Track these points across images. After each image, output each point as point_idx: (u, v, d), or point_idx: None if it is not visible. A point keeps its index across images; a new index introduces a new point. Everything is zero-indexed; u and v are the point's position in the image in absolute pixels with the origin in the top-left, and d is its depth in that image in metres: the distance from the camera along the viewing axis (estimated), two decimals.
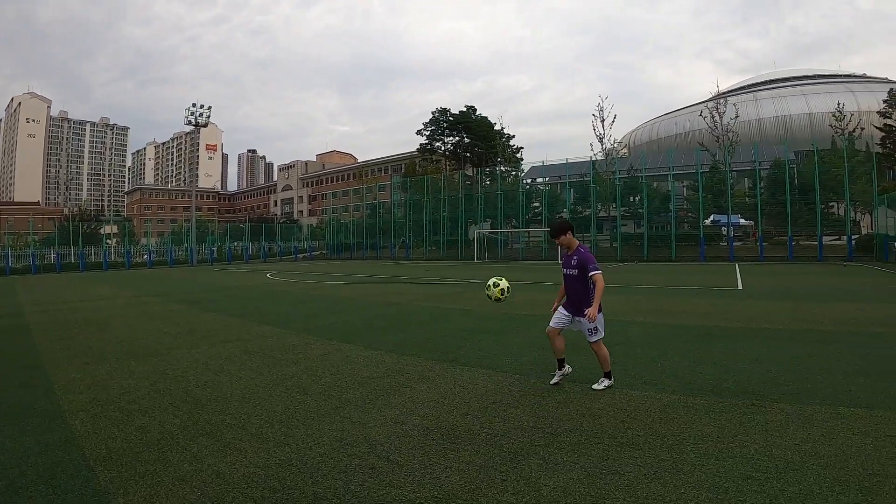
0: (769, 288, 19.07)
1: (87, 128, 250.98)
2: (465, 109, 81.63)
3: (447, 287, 22.20)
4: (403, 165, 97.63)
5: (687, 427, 5.07)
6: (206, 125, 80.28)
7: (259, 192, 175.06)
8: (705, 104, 59.66)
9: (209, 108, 76.40)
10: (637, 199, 50.65)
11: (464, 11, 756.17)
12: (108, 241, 79.44)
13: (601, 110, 53.86)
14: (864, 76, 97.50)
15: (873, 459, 4.20)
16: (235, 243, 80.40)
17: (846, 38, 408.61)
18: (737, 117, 54.77)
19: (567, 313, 6.64)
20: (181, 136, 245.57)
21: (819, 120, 74.36)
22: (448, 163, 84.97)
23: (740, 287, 19.69)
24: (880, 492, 3.66)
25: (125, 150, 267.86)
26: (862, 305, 13.73)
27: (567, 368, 6.82)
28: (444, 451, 4.65)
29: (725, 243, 45.18)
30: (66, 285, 31.37)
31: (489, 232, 57.07)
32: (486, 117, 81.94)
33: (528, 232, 57.57)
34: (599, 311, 6.29)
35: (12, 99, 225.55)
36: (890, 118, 59.13)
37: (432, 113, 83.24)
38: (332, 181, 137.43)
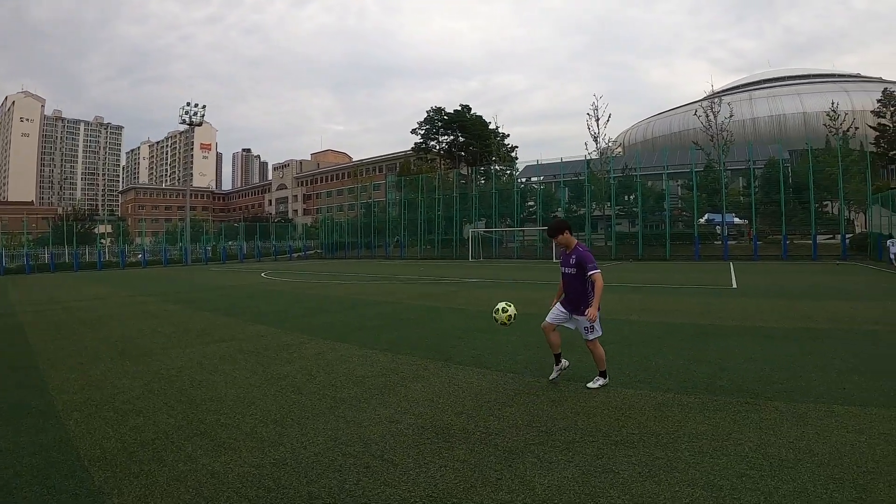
0: (763, 286, 19.12)
1: (82, 127, 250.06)
2: (459, 108, 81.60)
3: (442, 286, 22.21)
4: (398, 164, 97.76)
5: (681, 425, 5.08)
6: (200, 124, 79.94)
7: (254, 192, 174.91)
8: (700, 103, 59.88)
9: (204, 106, 76.12)
10: (632, 198, 50.79)
11: (459, 10, 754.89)
12: (103, 240, 79.15)
13: (596, 109, 53.93)
14: (858, 76, 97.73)
15: (867, 457, 4.21)
16: (230, 243, 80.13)
17: (840, 37, 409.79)
18: (731, 116, 54.86)
19: (564, 310, 6.65)
20: (175, 136, 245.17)
21: (813, 119, 74.51)
22: (443, 162, 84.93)
23: (734, 286, 19.73)
24: (875, 489, 3.67)
25: (119, 150, 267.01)
26: (856, 304, 13.79)
27: (564, 363, 6.83)
28: (439, 449, 4.65)
29: (720, 242, 45.24)
30: (61, 285, 31.28)
31: (484, 231, 57.10)
32: (480, 116, 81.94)
33: (523, 231, 57.60)
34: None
35: (6, 98, 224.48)
36: (884, 117, 59.47)
37: (427, 112, 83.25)
38: (326, 180, 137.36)
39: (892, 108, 59.43)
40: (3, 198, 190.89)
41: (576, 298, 6.49)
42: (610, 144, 57.49)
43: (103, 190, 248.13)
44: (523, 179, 66.39)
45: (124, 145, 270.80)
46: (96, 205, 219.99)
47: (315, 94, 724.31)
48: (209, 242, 79.15)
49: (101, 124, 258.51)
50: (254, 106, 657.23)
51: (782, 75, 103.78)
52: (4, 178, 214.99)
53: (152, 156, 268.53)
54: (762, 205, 45.25)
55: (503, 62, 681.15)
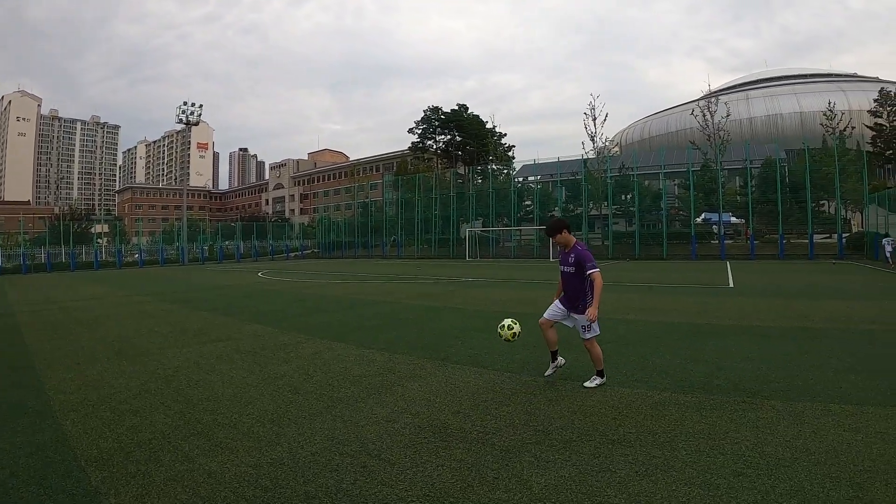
0: (760, 286, 19.15)
1: (78, 126, 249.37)
2: (456, 108, 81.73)
3: (438, 286, 22.20)
4: (395, 164, 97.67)
5: (678, 424, 5.08)
6: (197, 123, 79.81)
7: (250, 191, 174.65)
8: (697, 103, 59.86)
9: (200, 106, 76.06)
10: (629, 197, 50.83)
11: (456, 9, 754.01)
12: (99, 240, 79.11)
13: (593, 109, 53.97)
14: (854, 75, 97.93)
15: (864, 456, 4.22)
16: (227, 242, 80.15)
17: (837, 37, 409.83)
18: (728, 116, 54.90)
19: (562, 307, 6.65)
20: (172, 135, 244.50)
21: (810, 119, 74.73)
22: (439, 161, 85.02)
23: (731, 285, 19.75)
24: (871, 488, 3.67)
25: (116, 149, 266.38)
26: (852, 303, 13.82)
27: (560, 360, 6.83)
28: (436, 449, 4.65)
29: (717, 241, 45.31)
30: (57, 285, 31.26)
31: (481, 230, 57.11)
32: (477, 116, 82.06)
33: (520, 230, 57.62)
34: None
35: (2, 97, 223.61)
36: (880, 117, 59.67)
37: (424, 111, 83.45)
38: (323, 180, 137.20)
39: (888, 108, 59.68)
40: (0, 198, 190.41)
41: (574, 297, 6.49)
42: (607, 144, 57.50)
43: (100, 189, 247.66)
44: (520, 179, 66.41)
45: (121, 145, 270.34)
46: (93, 204, 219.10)
47: (312, 94, 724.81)
48: (206, 242, 79.11)
49: (98, 124, 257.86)
50: (251, 105, 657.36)
51: (779, 75, 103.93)
52: (1, 177, 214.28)
53: (149, 155, 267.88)
54: (759, 204, 45.33)
55: (500, 61, 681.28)
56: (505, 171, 68.81)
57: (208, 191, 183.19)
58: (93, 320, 14.21)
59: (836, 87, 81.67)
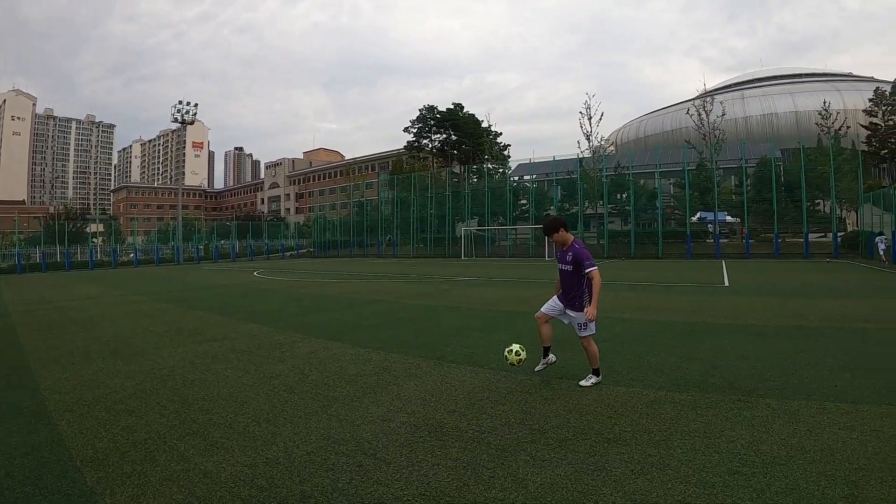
0: (755, 285, 19.18)
1: (73, 125, 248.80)
2: (452, 107, 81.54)
3: (434, 285, 22.19)
4: (391, 163, 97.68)
5: (674, 423, 5.09)
6: (192, 123, 79.80)
7: (246, 190, 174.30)
8: (692, 102, 60.07)
9: (196, 105, 76.04)
10: (624, 196, 50.84)
11: (453, 9, 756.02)
12: (95, 239, 78.96)
13: (588, 108, 53.95)
14: (850, 75, 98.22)
15: (859, 454, 4.24)
16: (222, 241, 79.98)
17: (833, 37, 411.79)
18: (723, 115, 55.12)
19: (560, 303, 6.66)
20: (167, 134, 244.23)
21: (805, 118, 74.84)
22: (435, 160, 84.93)
23: (727, 284, 19.78)
24: (866, 486, 3.68)
25: (111, 148, 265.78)
26: (846, 302, 13.86)
27: (552, 357, 6.85)
28: (432, 448, 4.65)
29: (712, 240, 45.40)
30: (52, 285, 31.18)
31: (476, 229, 57.11)
32: (473, 115, 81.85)
33: (516, 229, 57.62)
34: None
35: None
36: (875, 117, 59.80)
37: (420, 110, 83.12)
38: (319, 179, 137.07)
39: (883, 108, 59.81)
40: None
41: (572, 294, 6.50)
42: (602, 143, 57.53)
43: (95, 189, 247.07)
44: (516, 178, 66.45)
45: (116, 144, 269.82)
46: (88, 204, 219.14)
47: (308, 93, 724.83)
48: (201, 241, 78.87)
49: (93, 123, 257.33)
50: (246, 104, 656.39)
51: (775, 74, 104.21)
52: None
53: (144, 154, 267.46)
54: (754, 203, 45.40)
55: (496, 61, 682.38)
56: (500, 170, 68.85)
57: (203, 190, 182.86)
58: (88, 320, 14.17)
59: (832, 87, 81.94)
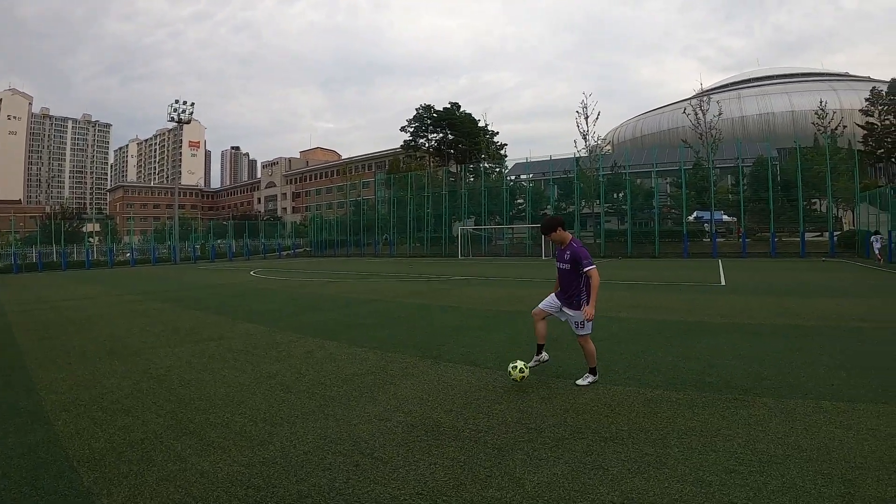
0: (752, 284, 19.21)
1: (69, 125, 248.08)
2: (449, 106, 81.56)
3: (431, 284, 22.19)
4: (387, 162, 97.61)
5: (671, 422, 5.10)
6: (189, 122, 79.59)
7: (242, 190, 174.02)
8: (689, 101, 60.07)
9: (192, 104, 75.82)
10: (621, 195, 50.86)
11: (449, 8, 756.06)
12: (91, 239, 78.74)
13: (585, 107, 54.02)
14: (846, 75, 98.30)
15: (855, 452, 4.25)
16: (219, 241, 79.79)
17: (829, 36, 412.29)
18: (720, 115, 55.12)
19: (557, 301, 6.66)
20: (164, 133, 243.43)
21: (802, 118, 74.89)
22: (432, 159, 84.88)
23: (723, 283, 19.81)
24: (863, 484, 3.70)
25: (107, 148, 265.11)
26: (842, 301, 13.89)
27: (544, 355, 6.87)
28: (429, 447, 4.66)
29: (708, 240, 45.42)
30: (49, 284, 31.13)
31: (473, 229, 57.10)
32: (470, 114, 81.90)
33: (512, 228, 57.62)
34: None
35: None
36: (872, 116, 59.91)
37: (416, 110, 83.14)
38: (315, 178, 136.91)
39: (879, 107, 59.90)
40: None
41: (570, 293, 6.51)
42: (599, 142, 57.63)
43: (91, 188, 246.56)
44: (512, 177, 66.38)
45: (112, 143, 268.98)
46: (84, 203, 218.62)
47: (304, 92, 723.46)
48: (198, 241, 78.71)
49: (89, 122, 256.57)
50: (242, 103, 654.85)
51: (771, 74, 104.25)
52: None
53: (140, 154, 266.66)
54: (751, 202, 45.44)
55: (493, 60, 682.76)
56: (497, 170, 68.74)
57: (200, 189, 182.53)
58: (84, 320, 14.15)
59: (828, 87, 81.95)
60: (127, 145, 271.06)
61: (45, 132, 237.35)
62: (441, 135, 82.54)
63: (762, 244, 42.36)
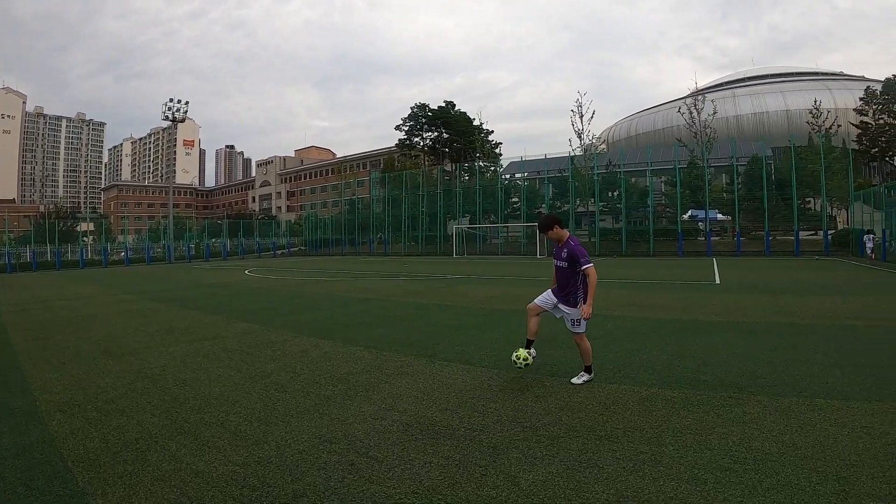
0: (746, 282, 19.25)
1: (63, 123, 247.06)
2: (443, 105, 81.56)
3: (426, 283, 22.19)
4: (382, 161, 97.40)
5: (666, 420, 5.11)
6: (183, 120, 79.51)
7: (237, 188, 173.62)
8: (683, 101, 60.17)
9: (187, 103, 75.70)
10: (615, 194, 50.91)
11: (444, 7, 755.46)
12: (85, 238, 78.68)
13: (580, 106, 53.96)
14: (841, 74, 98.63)
15: (850, 450, 4.26)
16: (213, 240, 79.65)
17: (824, 36, 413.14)
18: (714, 114, 55.22)
19: (553, 298, 6.67)
20: (158, 132, 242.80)
21: (796, 117, 75.18)
22: (427, 158, 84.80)
23: (718, 281, 19.86)
24: (857, 482, 3.71)
25: (102, 146, 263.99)
26: (836, 299, 13.93)
27: (532, 352, 6.85)
28: (424, 446, 4.66)
29: (703, 238, 45.52)
30: (43, 284, 31.03)
31: (468, 227, 57.13)
32: (464, 113, 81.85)
33: (507, 227, 57.65)
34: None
35: None
36: (866, 115, 60.10)
37: (411, 108, 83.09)
38: (310, 177, 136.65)
39: (874, 107, 60.12)
40: None
41: (566, 290, 6.51)
42: (594, 141, 57.57)
43: (85, 187, 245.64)
44: (507, 176, 66.38)
45: (106, 142, 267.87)
46: (78, 202, 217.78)
47: (299, 90, 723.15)
48: (192, 240, 78.58)
49: (83, 121, 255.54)
50: (237, 102, 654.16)
51: (766, 73, 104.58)
52: None
53: (135, 153, 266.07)
54: (745, 201, 45.52)
55: (488, 59, 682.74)
56: (492, 168, 68.76)
57: (195, 188, 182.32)
58: (79, 319, 14.11)
59: (823, 86, 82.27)
60: (121, 144, 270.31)
61: (39, 131, 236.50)
62: (436, 133, 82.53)
63: (757, 243, 42.46)
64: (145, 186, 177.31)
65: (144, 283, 28.38)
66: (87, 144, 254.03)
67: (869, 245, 30.94)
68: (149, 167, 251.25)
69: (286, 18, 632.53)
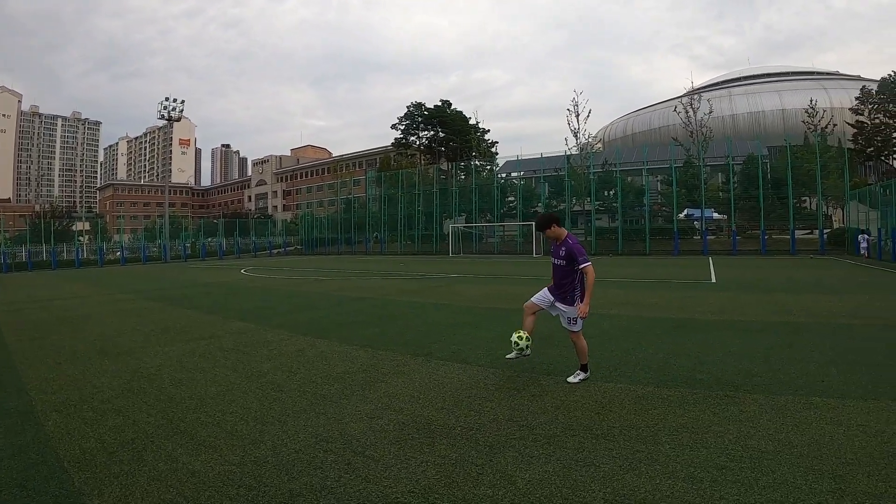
0: (742, 281, 19.28)
1: (59, 122, 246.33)
2: (440, 104, 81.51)
3: (422, 282, 22.19)
4: (378, 160, 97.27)
5: (662, 419, 5.11)
6: (179, 119, 79.14)
7: (233, 188, 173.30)
8: (679, 100, 60.11)
9: (182, 101, 75.42)
10: (611, 193, 50.93)
11: (440, 5, 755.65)
12: (81, 238, 78.35)
13: (576, 105, 53.92)
14: (836, 73, 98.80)
15: (846, 448, 4.27)
16: (209, 239, 79.45)
17: (819, 35, 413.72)
18: (710, 113, 55.22)
19: (550, 295, 6.67)
20: (154, 131, 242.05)
21: (792, 116, 75.28)
22: (423, 157, 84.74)
23: (714, 280, 19.89)
24: (853, 480, 3.72)
25: (97, 146, 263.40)
26: (832, 297, 13.95)
27: (526, 351, 6.85)
28: (420, 445, 4.65)
29: (699, 237, 45.58)
30: (38, 284, 30.95)
31: (464, 226, 57.13)
32: (461, 112, 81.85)
33: (503, 226, 57.66)
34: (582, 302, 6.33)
35: None
36: (862, 115, 60.25)
37: (407, 107, 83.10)
38: (306, 176, 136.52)
39: (869, 106, 60.33)
40: None
41: (563, 288, 6.51)
42: (590, 140, 57.47)
43: (81, 186, 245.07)
44: (503, 175, 66.37)
45: (102, 141, 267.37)
46: (74, 202, 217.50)
47: (295, 89, 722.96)
48: (188, 239, 78.39)
49: (79, 120, 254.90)
50: (233, 100, 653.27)
51: (762, 72, 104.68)
52: None
53: (130, 152, 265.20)
54: (741, 200, 45.65)
55: (483, 57, 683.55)
56: (488, 167, 68.76)
57: (190, 187, 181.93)
58: (75, 319, 14.08)
59: (818, 85, 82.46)
60: (117, 143, 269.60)
61: (34, 130, 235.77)
62: (432, 132, 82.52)
63: (752, 241, 42.53)
64: (141, 186, 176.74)
65: (140, 282, 28.32)
66: (82, 143, 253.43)
67: (863, 245, 31.10)
68: (144, 166, 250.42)
69: (282, 17, 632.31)
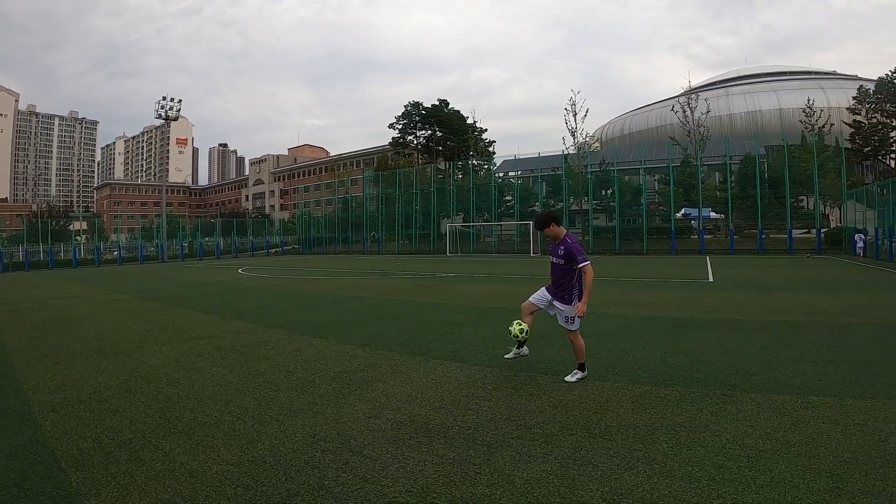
0: (739, 280, 19.31)
1: (56, 122, 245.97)
2: (437, 103, 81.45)
3: (419, 281, 22.19)
4: (375, 159, 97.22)
5: (659, 417, 5.12)
6: (176, 119, 78.92)
7: (230, 187, 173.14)
8: (677, 99, 60.30)
9: (179, 101, 75.28)
10: (609, 192, 51.04)
11: (437, 4, 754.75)
12: (78, 237, 78.27)
13: (573, 104, 53.99)
14: (834, 73, 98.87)
15: (843, 447, 4.28)
16: (206, 239, 79.34)
17: (817, 35, 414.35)
18: (708, 112, 55.34)
19: (548, 295, 6.67)
20: (151, 131, 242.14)
21: (789, 116, 75.26)
22: (420, 156, 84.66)
23: (711, 279, 19.91)
24: (850, 478, 3.72)
25: (94, 145, 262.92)
26: (829, 297, 13.96)
27: (524, 350, 6.85)
28: (418, 444, 4.65)
29: (696, 236, 45.65)
30: (35, 283, 30.88)
31: (461, 226, 57.13)
32: (458, 111, 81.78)
33: (501, 225, 57.67)
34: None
35: None
36: (859, 114, 60.40)
37: (405, 106, 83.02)
38: (303, 175, 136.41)
39: (867, 105, 60.51)
40: None
41: (561, 287, 6.52)
42: (587, 139, 57.65)
43: (78, 186, 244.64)
44: (501, 174, 66.41)
45: (99, 140, 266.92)
46: (71, 201, 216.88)
47: (293, 89, 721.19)
48: (186, 239, 78.27)
49: (76, 119, 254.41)
50: (230, 100, 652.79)
51: (759, 72, 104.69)
52: None
53: (128, 151, 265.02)
54: (738, 200, 45.72)
55: (481, 57, 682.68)
56: (486, 167, 68.71)
57: (188, 187, 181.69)
58: (72, 319, 14.05)
59: (816, 85, 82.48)
60: (114, 143, 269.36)
61: (31, 130, 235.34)
62: (429, 132, 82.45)
63: (750, 241, 42.57)
64: (138, 185, 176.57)
65: (137, 282, 28.27)
66: (79, 143, 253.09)
67: (860, 245, 31.21)
68: (142, 166, 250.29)
69: (280, 16, 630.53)
